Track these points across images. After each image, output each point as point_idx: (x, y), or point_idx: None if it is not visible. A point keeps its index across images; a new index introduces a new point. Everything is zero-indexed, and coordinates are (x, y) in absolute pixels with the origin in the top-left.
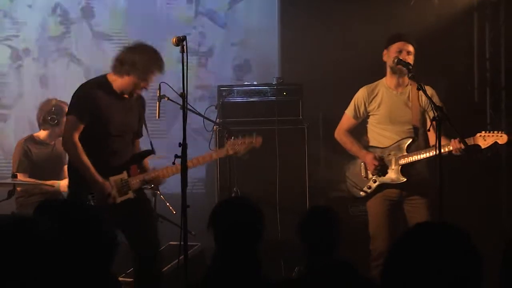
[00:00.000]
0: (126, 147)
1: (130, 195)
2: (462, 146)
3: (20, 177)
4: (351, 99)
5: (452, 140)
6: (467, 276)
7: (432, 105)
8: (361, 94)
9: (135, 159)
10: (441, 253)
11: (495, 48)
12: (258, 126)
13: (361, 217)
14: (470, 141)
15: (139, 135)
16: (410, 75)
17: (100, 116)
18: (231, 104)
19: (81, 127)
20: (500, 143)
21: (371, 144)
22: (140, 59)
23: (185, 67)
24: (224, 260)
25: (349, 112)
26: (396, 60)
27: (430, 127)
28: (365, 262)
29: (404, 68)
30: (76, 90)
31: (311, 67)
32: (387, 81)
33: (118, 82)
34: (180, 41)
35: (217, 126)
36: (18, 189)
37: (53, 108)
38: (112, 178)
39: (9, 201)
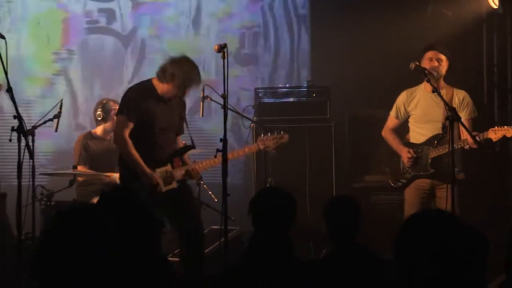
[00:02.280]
0: (170, 142)
1: (174, 185)
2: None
3: (80, 168)
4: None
5: (469, 136)
6: (471, 260)
7: (446, 107)
8: (401, 97)
9: (178, 153)
10: (446, 237)
11: (502, 56)
12: (290, 124)
13: (381, 205)
14: (484, 135)
15: (181, 132)
16: (426, 79)
17: (146, 116)
18: (266, 104)
19: (131, 125)
20: (507, 136)
21: (411, 141)
22: (179, 73)
23: (225, 71)
24: (260, 242)
25: (392, 113)
26: (413, 66)
27: (445, 124)
28: (384, 243)
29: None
30: (125, 93)
31: (338, 71)
32: (425, 85)
33: (160, 87)
34: (222, 48)
35: (254, 124)
36: (79, 179)
37: (100, 107)
38: (158, 170)
39: (70, 190)
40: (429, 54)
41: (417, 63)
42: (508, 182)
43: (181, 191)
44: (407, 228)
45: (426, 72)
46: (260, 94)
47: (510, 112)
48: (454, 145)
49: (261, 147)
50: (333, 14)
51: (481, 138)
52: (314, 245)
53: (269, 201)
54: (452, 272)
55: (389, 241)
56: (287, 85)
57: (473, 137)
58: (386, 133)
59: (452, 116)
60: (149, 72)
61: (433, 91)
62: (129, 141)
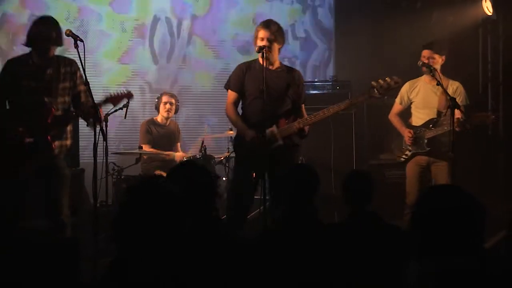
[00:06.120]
0: (275, 105)
1: (280, 142)
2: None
3: (145, 148)
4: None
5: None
6: (473, 224)
7: (448, 96)
8: (405, 87)
9: (283, 115)
10: (454, 206)
11: (495, 55)
12: (317, 112)
13: (394, 179)
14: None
15: (300, 101)
16: (431, 74)
17: (248, 83)
18: None
19: (234, 94)
20: (487, 121)
21: (412, 123)
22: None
23: (264, 68)
24: (289, 209)
25: (397, 100)
26: (421, 63)
27: (446, 111)
28: (395, 212)
29: (427, 68)
30: None
31: (358, 67)
32: (425, 77)
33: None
34: (261, 49)
35: None
36: (144, 157)
37: (157, 98)
38: (267, 131)
39: (136, 166)
40: (424, 53)
41: (424, 61)
42: (499, 160)
43: (287, 149)
44: (422, 199)
45: (432, 68)
46: None
47: (501, 101)
48: (445, 128)
49: (354, 102)
50: (354, 21)
51: (467, 123)
52: (338, 213)
53: (294, 175)
54: (457, 234)
55: (399, 209)
56: (315, 80)
57: (469, 120)
58: (392, 116)
59: (453, 105)
60: None
61: (437, 84)
62: (233, 108)
